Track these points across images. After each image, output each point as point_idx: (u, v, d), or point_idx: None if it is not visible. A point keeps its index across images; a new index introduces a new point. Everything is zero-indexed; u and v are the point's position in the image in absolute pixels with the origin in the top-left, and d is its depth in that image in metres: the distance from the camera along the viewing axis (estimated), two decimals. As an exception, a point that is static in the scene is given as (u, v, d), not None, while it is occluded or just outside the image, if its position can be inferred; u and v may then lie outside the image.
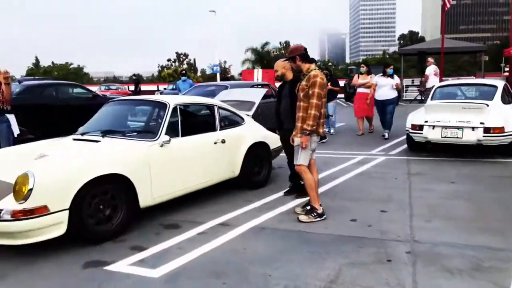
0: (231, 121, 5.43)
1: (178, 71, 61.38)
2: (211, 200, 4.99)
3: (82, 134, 4.65)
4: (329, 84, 9.06)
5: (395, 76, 9.50)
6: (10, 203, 3.35)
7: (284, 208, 4.67)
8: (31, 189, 3.32)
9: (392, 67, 9.64)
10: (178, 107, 4.70)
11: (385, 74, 9.48)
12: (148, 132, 4.56)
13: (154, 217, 4.40)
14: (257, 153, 5.49)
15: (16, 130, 5.91)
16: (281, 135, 5.21)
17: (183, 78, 14.24)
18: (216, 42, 26.26)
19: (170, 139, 4.33)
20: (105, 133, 4.52)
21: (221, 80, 26.00)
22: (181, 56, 79.63)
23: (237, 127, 5.43)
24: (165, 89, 25.41)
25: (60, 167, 3.64)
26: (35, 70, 50.57)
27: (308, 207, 4.38)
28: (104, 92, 22.34)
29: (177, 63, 77.35)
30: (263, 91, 6.16)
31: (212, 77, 57.60)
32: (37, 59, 58.18)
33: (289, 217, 4.38)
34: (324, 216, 4.29)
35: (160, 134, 4.37)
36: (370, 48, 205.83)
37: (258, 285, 2.99)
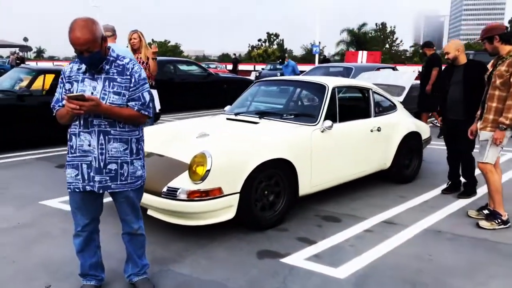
0: (384, 108, 4.97)
1: (268, 52, 61.47)
2: (361, 193, 4.62)
3: (236, 114, 4.48)
4: None
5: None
6: (185, 183, 3.26)
7: (451, 209, 4.15)
8: (208, 170, 3.20)
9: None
10: (336, 89, 4.35)
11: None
12: (306, 115, 4.26)
13: (307, 207, 4.15)
14: (409, 144, 4.98)
15: (158, 105, 6.00)
16: (445, 126, 4.64)
17: (285, 62, 13.74)
18: (316, 23, 25.41)
19: (332, 124, 4.00)
20: (261, 114, 4.33)
21: (319, 62, 25.21)
22: (272, 36, 79.62)
23: (391, 114, 4.96)
24: (263, 69, 25.38)
25: (233, 149, 3.48)
26: (137, 47, 53.78)
27: (486, 211, 3.82)
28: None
29: (267, 43, 77.52)
30: (413, 75, 5.58)
31: (303, 59, 56.63)
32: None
33: (463, 221, 3.86)
34: (509, 224, 3.71)
35: (320, 118, 4.07)
36: (471, 31, 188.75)
37: (468, 303, 2.58)
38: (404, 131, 4.89)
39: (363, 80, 5.79)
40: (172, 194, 3.23)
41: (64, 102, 2.23)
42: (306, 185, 3.90)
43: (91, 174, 2.35)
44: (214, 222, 3.34)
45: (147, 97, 2.42)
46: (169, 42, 53.31)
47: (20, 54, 32.47)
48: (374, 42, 52.77)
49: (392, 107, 5.04)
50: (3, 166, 5.68)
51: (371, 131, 4.53)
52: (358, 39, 46.82)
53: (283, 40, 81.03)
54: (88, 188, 2.37)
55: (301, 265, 3.01)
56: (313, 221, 3.84)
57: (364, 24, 47.78)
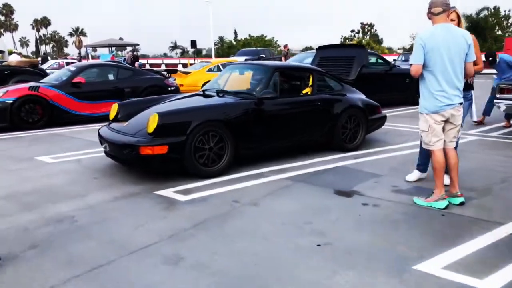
0: None
1: (363, 43, 57.83)
2: None
3: None
4: None
5: None
6: None
7: None
8: None
9: None
10: None
11: None
12: None
13: None
14: None
15: (474, 115, 4.41)
16: None
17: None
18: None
19: None
20: None
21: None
22: (366, 26, 75.11)
23: None
24: (394, 60, 22.94)
25: None
26: (235, 42, 53.68)
27: None
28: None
29: (360, 34, 73.21)
30: None
31: (411, 49, 52.05)
32: (235, 32, 61.58)
33: None
34: None
35: None
36: None
37: None
38: None
39: None
40: None
41: None
42: None
43: None
44: None
45: None
46: (265, 36, 52.18)
47: (135, 53, 33.41)
48: (492, 28, 47.24)
49: None
50: (265, 190, 4.39)
51: None
52: (477, 26, 42.03)
53: (375, 30, 76.54)
54: None
55: None
56: None
57: (483, 9, 42.79)
